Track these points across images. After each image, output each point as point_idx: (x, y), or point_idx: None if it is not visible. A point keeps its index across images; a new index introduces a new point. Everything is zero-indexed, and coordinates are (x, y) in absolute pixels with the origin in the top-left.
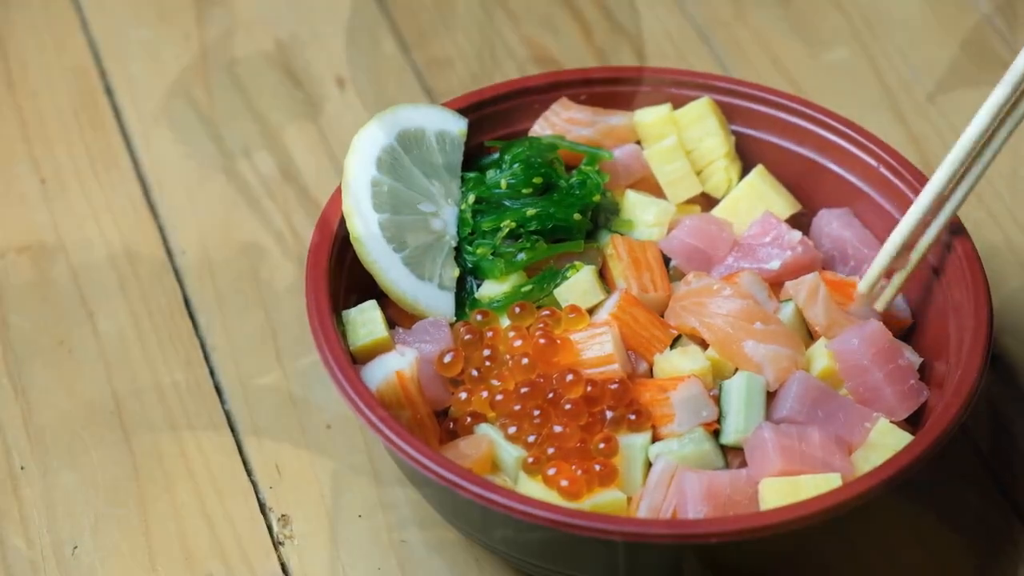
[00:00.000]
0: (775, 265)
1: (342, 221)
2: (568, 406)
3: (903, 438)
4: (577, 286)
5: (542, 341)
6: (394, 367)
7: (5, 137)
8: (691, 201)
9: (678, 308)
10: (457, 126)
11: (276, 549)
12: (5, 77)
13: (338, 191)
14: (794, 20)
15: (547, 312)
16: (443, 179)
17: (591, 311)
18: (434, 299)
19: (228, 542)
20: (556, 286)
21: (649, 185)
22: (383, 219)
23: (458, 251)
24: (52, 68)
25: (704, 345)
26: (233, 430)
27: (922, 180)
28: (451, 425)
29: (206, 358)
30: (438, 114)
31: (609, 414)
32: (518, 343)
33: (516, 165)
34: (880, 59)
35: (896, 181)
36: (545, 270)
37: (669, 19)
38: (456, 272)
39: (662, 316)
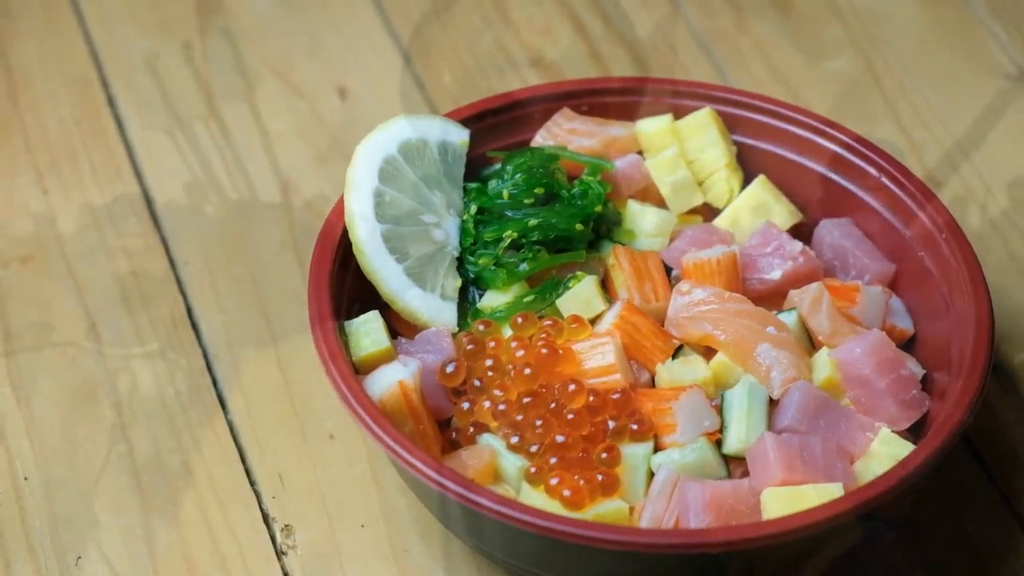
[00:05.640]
0: (776, 275)
1: (344, 231)
2: (570, 416)
3: (905, 448)
4: (579, 296)
5: (544, 351)
6: (397, 377)
7: (8, 147)
8: (693, 211)
9: (681, 319)
10: (459, 137)
11: (279, 559)
12: (8, 87)
13: (340, 202)
14: (794, 30)
15: (549, 322)
16: (445, 190)
17: (593, 321)
18: (436, 309)
19: (231, 552)
20: (558, 296)
21: (651, 195)
22: (385, 230)
23: (460, 261)
24: (54, 78)
25: (707, 355)
26: (236, 440)
27: (923, 189)
28: (453, 435)
29: (209, 368)
30: (440, 125)
31: (611, 424)
32: (520, 353)
33: (518, 175)
34: (880, 68)
35: (897, 191)
36: (547, 280)
37: (670, 29)
38: (458, 282)
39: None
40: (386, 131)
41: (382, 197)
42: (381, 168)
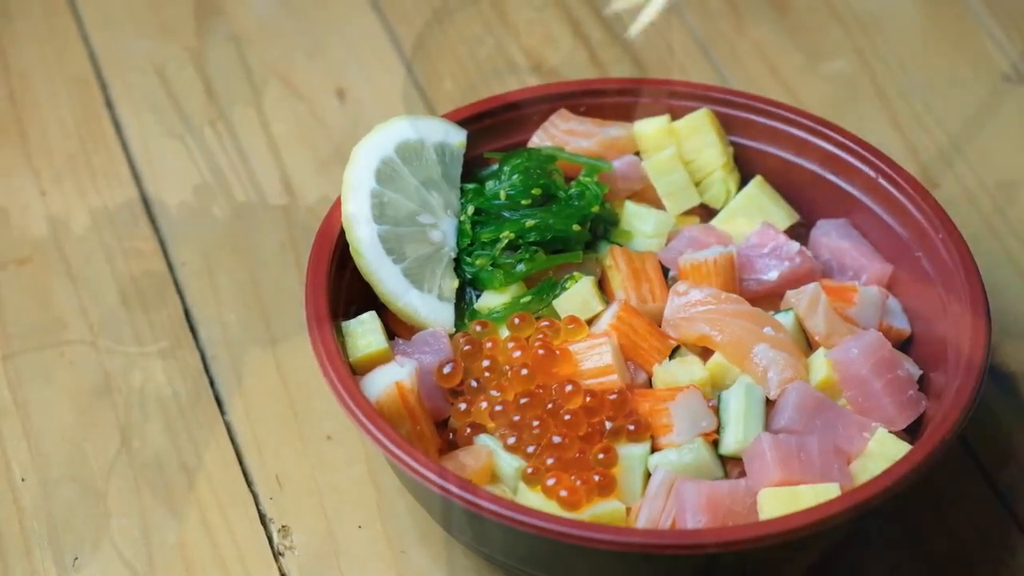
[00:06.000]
0: (773, 276)
1: (342, 232)
2: (567, 416)
3: (901, 448)
4: (576, 297)
5: (541, 352)
6: (394, 378)
7: (6, 148)
8: (690, 212)
9: (678, 319)
10: (456, 138)
11: (276, 560)
12: (6, 89)
13: (338, 203)
14: (793, 31)
15: (546, 323)
16: (442, 191)
17: (590, 322)
18: (433, 310)
19: (228, 553)
20: (555, 297)
21: (648, 196)
22: (383, 231)
23: (457, 262)
24: (53, 80)
25: (704, 356)
26: (233, 441)
27: (920, 189)
28: (451, 436)
29: (206, 369)
30: (438, 126)
31: (608, 424)
32: (517, 354)
33: (515, 176)
34: (878, 69)
35: (894, 191)
36: (544, 281)
37: (668, 30)
38: (455, 283)
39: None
40: (383, 132)
41: (379, 198)
42: (378, 169)
